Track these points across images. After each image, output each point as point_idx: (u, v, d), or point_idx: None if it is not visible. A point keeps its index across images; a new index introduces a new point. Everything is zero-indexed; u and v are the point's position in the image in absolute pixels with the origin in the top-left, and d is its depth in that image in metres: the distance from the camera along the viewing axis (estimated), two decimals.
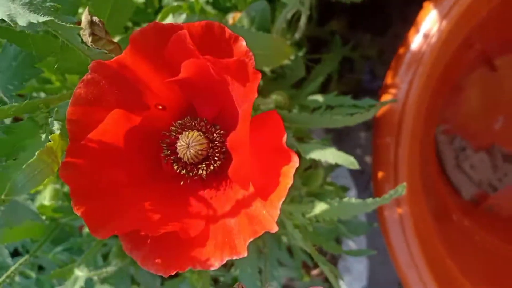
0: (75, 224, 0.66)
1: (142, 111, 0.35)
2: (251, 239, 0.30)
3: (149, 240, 0.33)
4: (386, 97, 0.77)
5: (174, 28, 0.31)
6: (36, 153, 0.28)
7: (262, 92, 0.68)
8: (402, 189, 0.59)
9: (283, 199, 0.30)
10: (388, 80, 0.77)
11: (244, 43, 0.32)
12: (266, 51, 0.63)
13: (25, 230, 0.59)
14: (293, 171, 0.30)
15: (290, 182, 0.30)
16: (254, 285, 0.61)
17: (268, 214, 0.31)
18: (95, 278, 0.62)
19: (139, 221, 0.33)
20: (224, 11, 0.79)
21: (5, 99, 0.44)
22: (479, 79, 0.99)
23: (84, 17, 0.37)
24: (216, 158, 0.35)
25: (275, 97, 0.62)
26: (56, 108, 0.35)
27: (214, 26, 0.32)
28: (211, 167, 0.35)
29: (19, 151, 0.35)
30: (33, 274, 0.70)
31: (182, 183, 0.36)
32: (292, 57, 0.74)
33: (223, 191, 0.36)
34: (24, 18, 0.32)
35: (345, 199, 0.57)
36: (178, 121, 0.36)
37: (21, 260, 0.52)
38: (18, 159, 0.33)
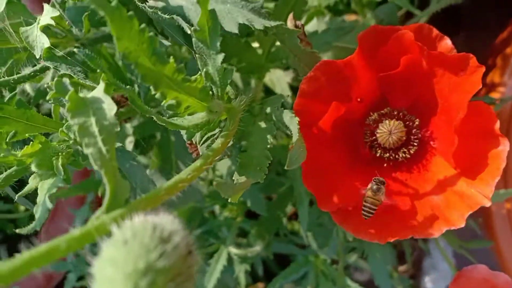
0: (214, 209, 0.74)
1: (346, 103, 0.40)
2: (469, 213, 0.35)
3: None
4: (494, 95, 0.79)
5: (393, 29, 0.37)
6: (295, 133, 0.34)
7: None
8: None
9: (497, 178, 0.34)
10: (495, 78, 0.79)
11: (449, 41, 0.37)
12: None
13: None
14: (504, 153, 0.35)
15: (502, 163, 0.34)
16: (384, 270, 0.66)
17: (479, 192, 0.35)
18: (235, 257, 0.69)
19: (354, 197, 0.39)
20: (338, 13, 0.84)
21: None
22: None
23: (289, 21, 0.44)
24: (414, 144, 0.40)
25: None
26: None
27: (424, 27, 0.37)
28: (410, 152, 0.40)
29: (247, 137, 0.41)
30: None
31: (385, 165, 0.41)
32: None
33: (417, 174, 0.41)
34: (259, 22, 0.39)
35: None
36: (380, 111, 0.42)
37: None
38: (249, 143, 0.40)
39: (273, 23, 0.39)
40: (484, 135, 0.36)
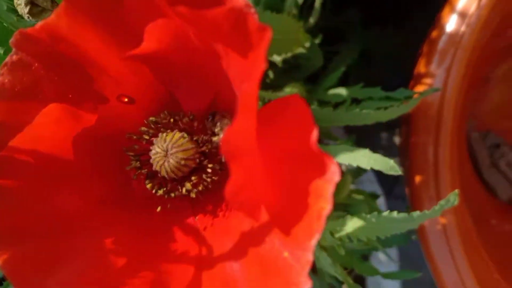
0: None
1: (97, 105, 0.24)
2: None
3: None
4: (420, 88, 0.65)
5: None
6: None
7: (273, 85, 0.57)
8: (454, 198, 0.47)
9: (317, 235, 0.18)
10: (421, 68, 0.65)
11: None
12: (278, 35, 0.51)
13: None
14: (331, 187, 0.18)
15: (326, 206, 0.18)
16: None
17: (293, 258, 0.19)
18: None
19: (95, 272, 0.21)
20: None
21: None
22: (509, 70, 0.88)
23: None
24: (209, 170, 0.24)
25: (290, 90, 0.51)
26: None
27: None
28: (203, 184, 0.24)
29: None
30: None
31: (159, 209, 0.24)
32: (307, 45, 0.63)
33: (222, 218, 0.24)
34: None
35: (385, 214, 0.45)
36: (151, 118, 0.25)
37: None
38: None
39: None
40: (301, 154, 0.20)
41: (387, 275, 0.59)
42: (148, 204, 0.25)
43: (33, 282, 0.21)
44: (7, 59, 0.22)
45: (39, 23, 0.21)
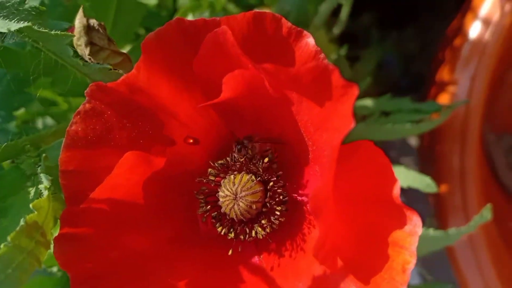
0: None
1: (164, 148, 0.24)
2: None
3: None
4: (444, 97, 0.64)
5: (207, 24, 0.21)
6: (8, 237, 0.18)
7: None
8: (487, 213, 0.47)
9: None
10: (444, 75, 0.65)
11: (311, 40, 0.21)
12: None
13: (32, 285, 0.49)
14: (414, 240, 0.19)
15: (411, 260, 0.18)
16: None
17: None
18: None
19: None
20: (248, 8, 0.67)
21: None
22: None
23: (78, 21, 0.27)
24: (277, 212, 0.24)
25: None
26: (43, 154, 0.24)
27: (266, 18, 0.21)
28: (271, 227, 0.24)
29: None
30: None
31: (231, 252, 0.24)
32: (334, 56, 0.63)
33: (289, 258, 0.24)
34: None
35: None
36: (219, 161, 0.25)
37: None
38: None
39: (14, 26, 0.22)
40: (380, 205, 0.20)
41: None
42: (216, 245, 0.25)
43: None
44: (80, 108, 0.22)
45: (122, 77, 0.21)
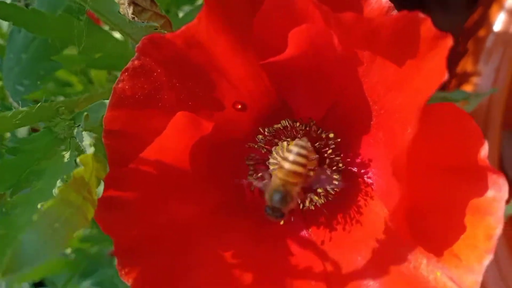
0: (105, 253, 0.55)
1: (212, 112, 0.22)
2: None
3: None
4: (467, 88, 0.63)
5: None
6: (55, 190, 0.16)
7: None
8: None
9: (488, 257, 0.17)
10: (467, 67, 0.64)
11: None
12: None
13: (47, 266, 0.48)
14: (501, 205, 0.17)
15: (497, 225, 0.17)
16: None
17: (450, 279, 0.18)
18: None
19: (222, 285, 0.21)
20: None
21: (15, 104, 0.32)
22: None
23: None
24: (335, 182, 0.23)
25: None
26: (85, 113, 0.23)
27: None
28: (326, 197, 0.23)
29: (31, 180, 0.23)
30: None
31: (282, 222, 0.23)
32: None
33: (342, 231, 0.23)
34: None
35: None
36: (275, 125, 0.23)
37: None
38: (30, 194, 0.22)
39: None
40: (460, 169, 0.18)
41: None
42: (260, 215, 0.24)
43: None
44: (128, 64, 0.21)
45: (182, 28, 0.19)
